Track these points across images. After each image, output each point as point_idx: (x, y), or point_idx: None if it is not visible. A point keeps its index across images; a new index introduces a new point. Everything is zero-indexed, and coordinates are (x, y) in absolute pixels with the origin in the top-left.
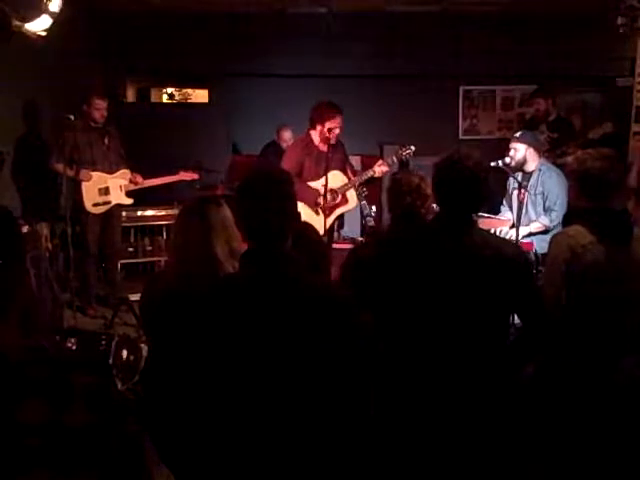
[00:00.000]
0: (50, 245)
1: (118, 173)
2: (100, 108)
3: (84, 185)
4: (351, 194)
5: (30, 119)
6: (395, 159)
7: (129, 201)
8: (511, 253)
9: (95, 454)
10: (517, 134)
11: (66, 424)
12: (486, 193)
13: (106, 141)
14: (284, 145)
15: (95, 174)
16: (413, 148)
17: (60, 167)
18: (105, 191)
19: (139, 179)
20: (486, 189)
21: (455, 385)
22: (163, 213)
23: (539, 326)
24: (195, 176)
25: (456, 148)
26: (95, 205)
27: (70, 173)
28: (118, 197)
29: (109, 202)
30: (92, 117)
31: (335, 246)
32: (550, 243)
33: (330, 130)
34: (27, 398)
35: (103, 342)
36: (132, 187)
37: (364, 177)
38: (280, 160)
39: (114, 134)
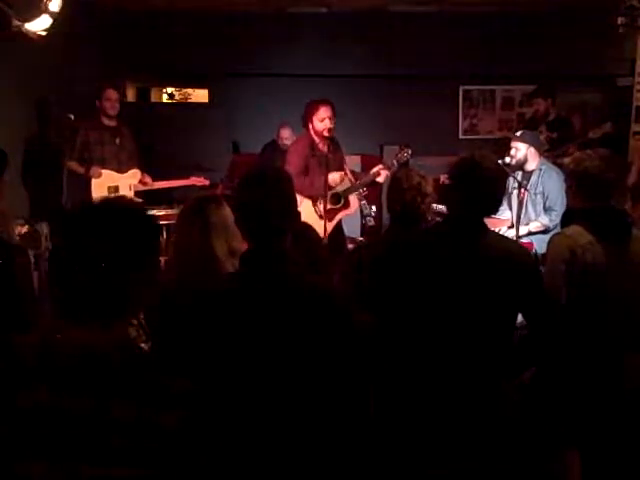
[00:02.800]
0: (50, 245)
1: (129, 173)
2: (111, 98)
3: (94, 182)
4: (352, 198)
5: (32, 119)
6: (395, 162)
7: (138, 201)
8: (521, 255)
9: (186, 455)
10: (518, 133)
11: (159, 424)
12: (502, 195)
13: (117, 141)
14: (281, 143)
15: (105, 172)
16: (410, 151)
17: (73, 165)
18: (115, 190)
19: (148, 180)
20: (502, 191)
21: (461, 385)
22: (163, 213)
23: (547, 327)
24: (206, 182)
25: (475, 150)
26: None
27: (80, 170)
28: (127, 196)
29: None
30: (104, 110)
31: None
32: (548, 244)
33: (321, 121)
34: (117, 397)
35: None
36: (141, 188)
37: (367, 180)
38: (280, 159)
39: (127, 134)
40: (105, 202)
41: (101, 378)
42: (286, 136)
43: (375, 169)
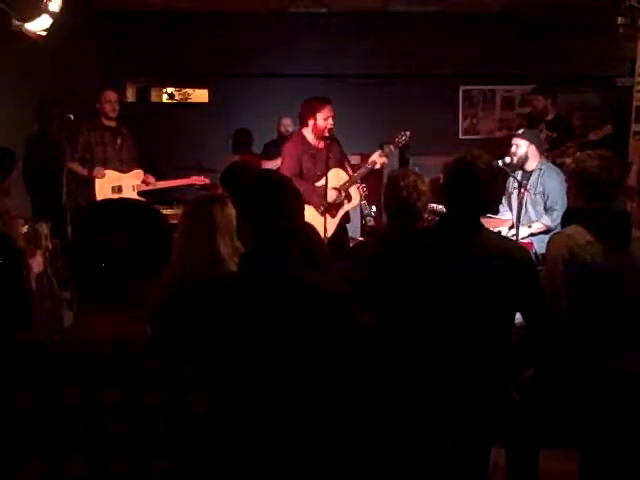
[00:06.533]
0: (50, 244)
1: (131, 173)
2: (111, 100)
3: (97, 182)
4: (354, 190)
5: (32, 119)
6: (393, 148)
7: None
8: (518, 254)
9: (213, 445)
10: (520, 131)
11: (189, 413)
12: (497, 195)
13: (119, 141)
14: (284, 130)
15: (108, 172)
16: (408, 133)
17: (74, 166)
18: (118, 190)
19: (151, 180)
20: (496, 191)
21: (460, 384)
22: (163, 213)
23: (545, 326)
24: (206, 180)
25: (467, 150)
26: None
27: (83, 172)
28: (130, 196)
29: None
30: (104, 112)
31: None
32: (548, 243)
33: (325, 119)
34: (146, 390)
35: None
36: (144, 187)
37: (364, 171)
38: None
39: (127, 135)
40: (123, 200)
41: (129, 370)
42: (288, 123)
43: (372, 158)
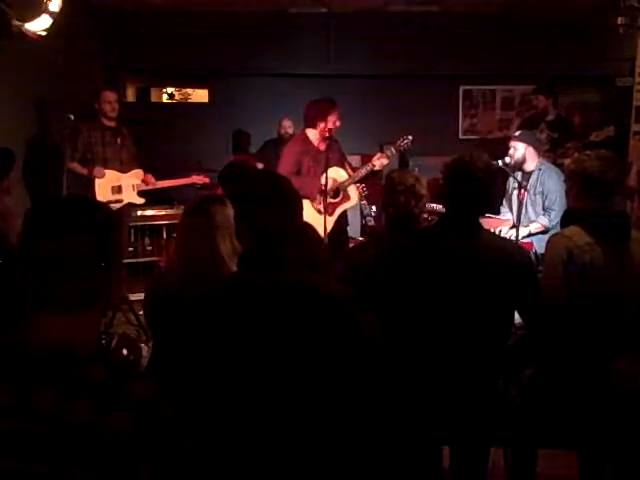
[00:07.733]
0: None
1: (131, 172)
2: (110, 100)
3: (97, 182)
4: (352, 190)
5: (32, 119)
6: (394, 150)
7: (141, 201)
8: (517, 254)
9: (135, 467)
10: (516, 133)
11: (112, 428)
12: (496, 195)
13: (119, 141)
14: (283, 132)
15: (108, 172)
16: (411, 138)
17: (74, 166)
18: (118, 189)
19: (151, 180)
20: (495, 191)
21: (459, 383)
22: (163, 213)
23: (542, 326)
24: (206, 180)
25: (466, 150)
26: (107, 203)
27: (83, 172)
28: (130, 196)
29: (121, 200)
30: (104, 112)
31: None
32: (547, 244)
33: (335, 122)
34: (75, 398)
35: (103, 342)
36: (144, 187)
37: (364, 172)
38: (278, 156)
39: (127, 135)
40: (68, 198)
41: (63, 376)
42: (288, 125)
43: (372, 160)
